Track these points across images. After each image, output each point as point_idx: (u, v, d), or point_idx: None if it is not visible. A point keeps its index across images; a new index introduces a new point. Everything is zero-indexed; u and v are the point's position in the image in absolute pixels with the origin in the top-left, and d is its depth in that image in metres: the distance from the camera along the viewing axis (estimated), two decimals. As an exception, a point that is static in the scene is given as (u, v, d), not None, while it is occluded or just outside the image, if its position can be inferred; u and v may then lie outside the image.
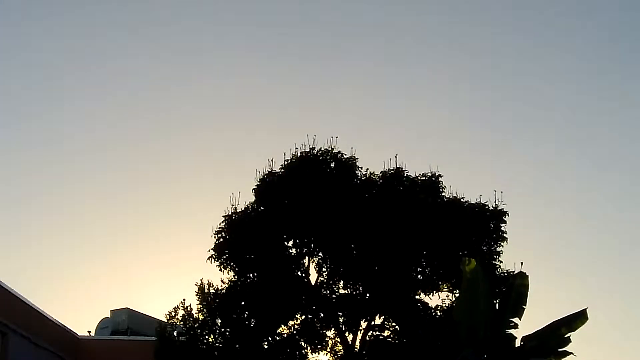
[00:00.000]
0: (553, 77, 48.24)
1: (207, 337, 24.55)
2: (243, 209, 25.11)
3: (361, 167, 25.23)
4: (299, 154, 25.02)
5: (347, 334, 24.75)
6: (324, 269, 25.17)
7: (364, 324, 24.80)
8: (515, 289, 14.92)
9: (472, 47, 48.23)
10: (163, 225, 51.25)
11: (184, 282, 43.97)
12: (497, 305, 15.28)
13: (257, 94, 48.30)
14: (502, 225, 24.66)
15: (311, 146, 25.03)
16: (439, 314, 24.47)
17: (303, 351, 24.57)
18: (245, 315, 24.48)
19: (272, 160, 25.13)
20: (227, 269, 24.84)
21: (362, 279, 24.58)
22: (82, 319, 48.37)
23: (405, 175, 25.09)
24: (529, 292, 15.03)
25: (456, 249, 23.76)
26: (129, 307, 34.88)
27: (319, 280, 25.15)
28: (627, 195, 48.54)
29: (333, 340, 25.00)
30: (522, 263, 19.47)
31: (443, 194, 25.01)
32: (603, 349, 42.46)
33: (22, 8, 46.78)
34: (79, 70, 48.88)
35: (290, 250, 25.10)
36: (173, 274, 47.37)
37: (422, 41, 48.47)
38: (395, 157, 25.30)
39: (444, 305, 24.63)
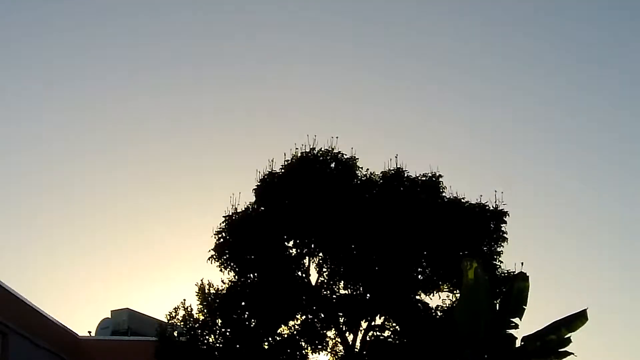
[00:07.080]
0: (553, 77, 48.31)
1: (207, 337, 24.54)
2: (243, 209, 25.11)
3: (361, 167, 25.26)
4: (299, 154, 25.02)
5: (347, 334, 24.74)
6: (324, 269, 25.16)
7: (364, 324, 24.80)
8: (515, 290, 14.87)
9: (472, 47, 48.28)
10: (163, 225, 51.31)
11: (184, 282, 44.17)
12: (497, 305, 15.25)
13: (257, 94, 48.37)
14: (502, 225, 24.66)
15: (311, 146, 25.07)
16: (439, 314, 24.45)
17: (303, 351, 24.56)
18: (246, 316, 24.47)
19: (272, 161, 25.19)
20: (228, 269, 24.85)
21: (363, 279, 24.56)
22: (82, 319, 48.43)
23: (405, 175, 25.07)
24: (529, 293, 15.01)
25: (456, 249, 23.75)
26: (129, 307, 34.90)
27: (319, 281, 25.14)
28: (627, 195, 48.58)
29: (333, 341, 25.00)
30: (522, 263, 19.58)
31: (443, 194, 25.00)
32: (603, 349, 42.48)
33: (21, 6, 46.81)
34: (79, 69, 48.94)
35: (291, 251, 25.09)
36: (173, 275, 47.45)
37: (421, 41, 48.53)
38: (396, 157, 25.36)
39: (444, 305, 24.62)
